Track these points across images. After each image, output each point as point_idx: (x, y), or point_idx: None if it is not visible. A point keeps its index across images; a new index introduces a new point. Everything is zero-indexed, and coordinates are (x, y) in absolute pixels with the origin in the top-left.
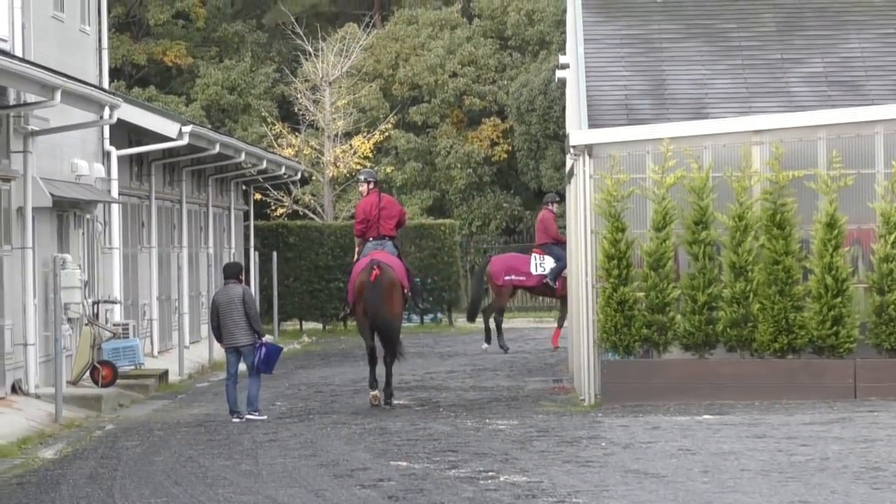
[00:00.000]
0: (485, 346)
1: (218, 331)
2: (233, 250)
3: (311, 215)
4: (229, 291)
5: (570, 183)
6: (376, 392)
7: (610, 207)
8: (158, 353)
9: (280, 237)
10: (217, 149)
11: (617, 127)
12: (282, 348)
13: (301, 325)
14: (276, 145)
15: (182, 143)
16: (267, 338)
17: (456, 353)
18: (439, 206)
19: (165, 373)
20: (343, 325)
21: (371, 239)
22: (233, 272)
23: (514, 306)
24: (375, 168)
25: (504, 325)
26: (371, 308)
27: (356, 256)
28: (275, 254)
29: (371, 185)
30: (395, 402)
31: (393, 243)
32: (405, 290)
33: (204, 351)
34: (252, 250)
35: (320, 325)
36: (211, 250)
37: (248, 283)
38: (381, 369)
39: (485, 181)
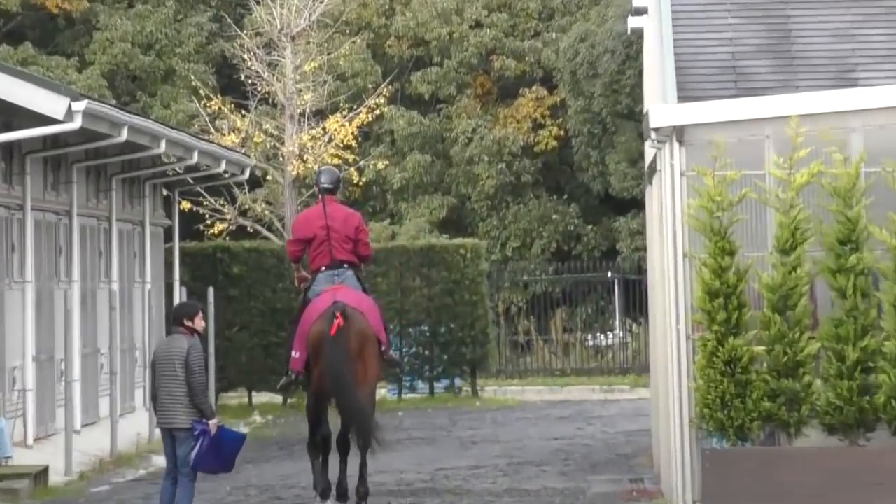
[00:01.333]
0: None
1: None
2: (148, 285)
3: (265, 233)
4: (171, 345)
5: (650, 184)
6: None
7: (711, 219)
8: (35, 440)
9: (219, 266)
10: (124, 135)
11: (721, 100)
12: (243, 436)
13: (250, 397)
14: (212, 130)
15: (73, 127)
16: (215, 421)
17: (484, 438)
18: (457, 218)
19: (45, 470)
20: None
21: (323, 268)
22: (178, 316)
23: (571, 368)
24: (362, 163)
25: (556, 397)
26: (332, 375)
27: (301, 293)
28: (211, 291)
29: (325, 191)
30: None
31: (354, 274)
32: (382, 347)
33: (104, 438)
34: (177, 285)
35: (280, 398)
36: (115, 286)
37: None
38: (336, 467)
39: (524, 181)
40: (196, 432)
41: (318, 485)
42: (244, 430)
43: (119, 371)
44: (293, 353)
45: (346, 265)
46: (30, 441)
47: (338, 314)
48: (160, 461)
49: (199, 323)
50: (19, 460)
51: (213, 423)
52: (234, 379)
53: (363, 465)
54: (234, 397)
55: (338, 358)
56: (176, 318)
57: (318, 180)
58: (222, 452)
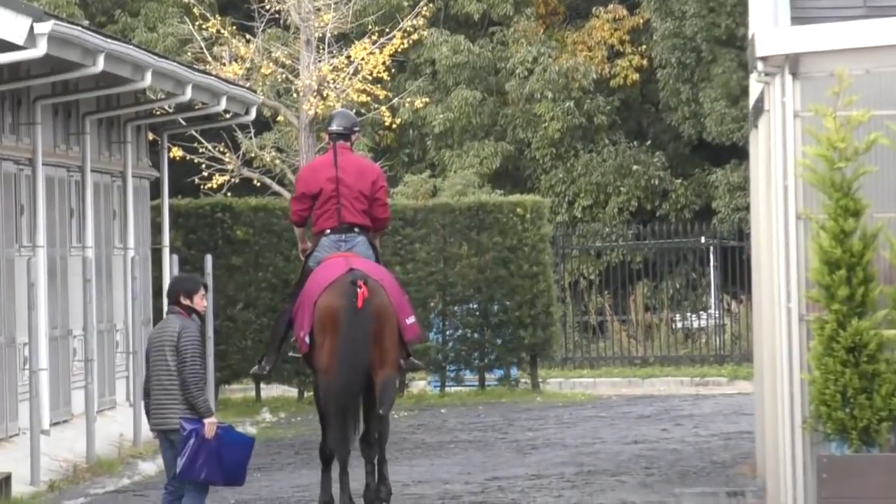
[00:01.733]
0: None
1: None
2: (130, 252)
3: (275, 187)
4: (163, 329)
5: (755, 127)
6: None
7: (832, 171)
8: None
9: (219, 228)
10: (100, 65)
11: (846, 22)
12: (251, 440)
13: (258, 390)
14: (210, 58)
15: (35, 55)
16: (212, 420)
17: (546, 441)
18: (513, 170)
19: (6, 479)
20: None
21: (328, 231)
22: (174, 293)
23: (655, 356)
24: (395, 101)
25: (636, 391)
26: (351, 356)
27: (303, 257)
28: (209, 259)
29: (337, 136)
30: None
31: (366, 239)
32: (401, 329)
33: (79, 439)
34: (167, 252)
35: (295, 391)
36: (90, 252)
37: (159, 308)
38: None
39: (598, 124)
40: (185, 433)
41: (320, 498)
42: (251, 431)
43: (96, 358)
44: (300, 333)
45: (356, 229)
46: None
47: (360, 282)
48: (148, 468)
49: (199, 302)
50: None
51: (209, 423)
52: (238, 368)
53: (382, 462)
54: (238, 390)
55: (359, 337)
56: (171, 296)
57: (328, 124)
58: (224, 461)
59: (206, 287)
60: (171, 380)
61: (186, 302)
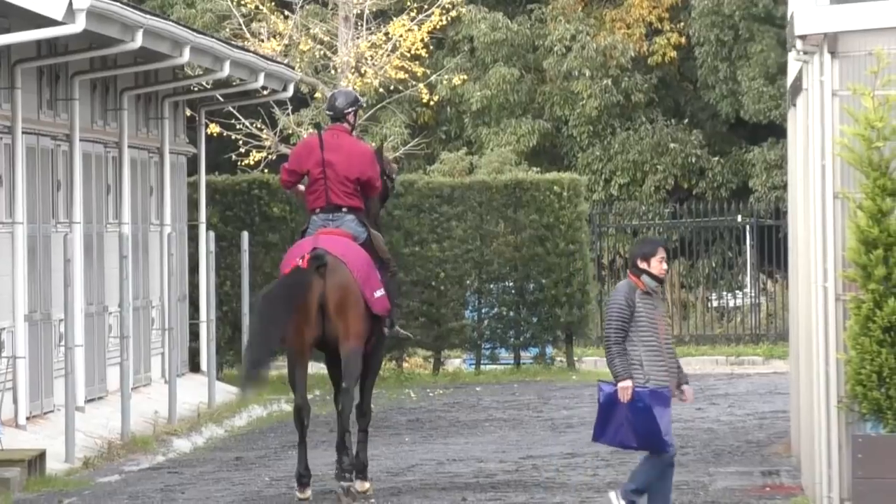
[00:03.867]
0: None
1: None
2: (167, 228)
3: None
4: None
5: (793, 105)
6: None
7: (870, 151)
8: (28, 419)
9: (256, 205)
10: (138, 41)
11: (885, 0)
12: (668, 406)
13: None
14: (248, 35)
15: (74, 30)
16: (627, 384)
17: (581, 420)
18: (550, 147)
19: (41, 456)
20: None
21: (318, 210)
22: (630, 256)
23: (690, 334)
24: (433, 78)
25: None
26: (281, 311)
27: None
28: (245, 236)
29: (331, 118)
30: None
31: (356, 218)
32: (368, 302)
33: (113, 416)
34: (203, 228)
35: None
36: (126, 228)
37: (195, 285)
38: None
39: (635, 102)
40: (601, 395)
41: (298, 466)
42: (286, 408)
43: (131, 334)
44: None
45: (344, 209)
46: (21, 420)
47: (305, 256)
48: (182, 445)
49: (657, 266)
50: (9, 444)
51: (621, 387)
52: None
53: (344, 424)
54: (274, 367)
55: (298, 291)
56: (629, 259)
57: (326, 105)
58: (639, 426)
59: (666, 250)
60: (632, 346)
61: (643, 265)
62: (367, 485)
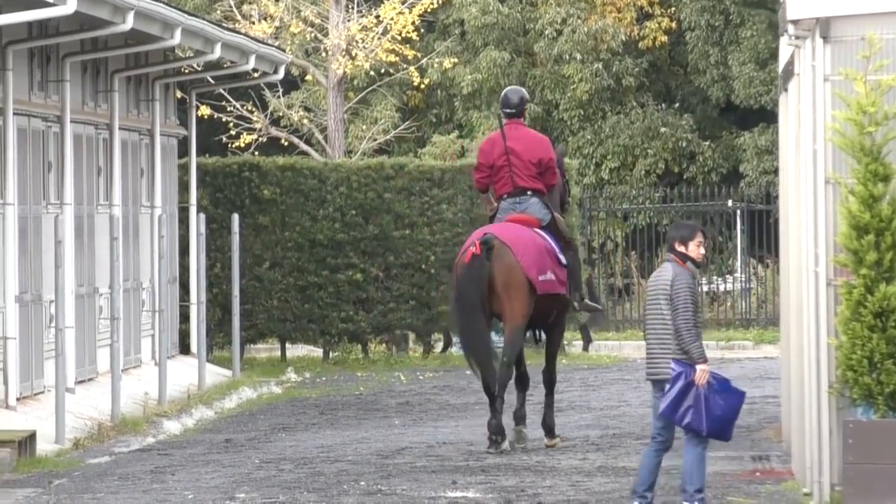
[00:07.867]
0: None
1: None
2: (157, 210)
3: (303, 147)
4: (657, 278)
5: (785, 90)
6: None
7: (861, 136)
8: (18, 400)
9: (246, 187)
10: (129, 22)
11: None
12: (742, 394)
13: (283, 350)
14: (239, 17)
15: (65, 12)
16: (704, 367)
17: (571, 403)
18: (541, 130)
19: (31, 437)
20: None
21: (505, 196)
22: (669, 240)
23: None
24: (424, 61)
25: None
26: (461, 301)
27: (489, 214)
28: (236, 218)
29: (506, 115)
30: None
31: (540, 201)
32: (535, 287)
33: (104, 398)
34: (194, 210)
35: (320, 351)
36: (117, 210)
37: (185, 267)
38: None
39: (626, 86)
40: (674, 373)
41: (489, 426)
42: (276, 390)
43: (122, 316)
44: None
45: (529, 192)
46: (12, 401)
47: (477, 244)
48: (172, 427)
49: (695, 250)
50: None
51: (701, 370)
52: (264, 327)
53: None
54: (264, 349)
55: (470, 288)
56: (668, 242)
57: (503, 102)
58: (712, 411)
59: (704, 234)
60: (666, 329)
61: (681, 249)
62: (555, 440)
